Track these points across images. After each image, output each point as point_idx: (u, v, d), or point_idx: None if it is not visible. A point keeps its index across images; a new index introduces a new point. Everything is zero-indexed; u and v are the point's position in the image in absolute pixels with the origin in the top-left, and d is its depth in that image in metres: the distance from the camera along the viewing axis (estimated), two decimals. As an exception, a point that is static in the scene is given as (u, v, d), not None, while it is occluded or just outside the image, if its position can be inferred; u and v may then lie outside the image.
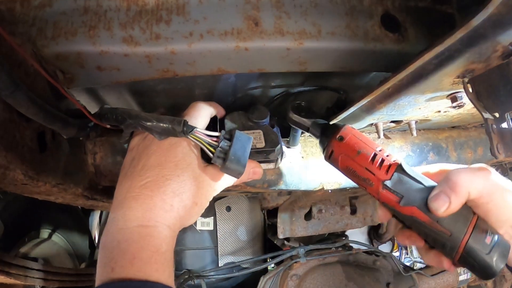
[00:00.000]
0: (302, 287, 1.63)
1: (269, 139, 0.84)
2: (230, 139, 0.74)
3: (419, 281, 1.89)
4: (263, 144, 0.83)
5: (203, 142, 0.72)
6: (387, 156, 0.74)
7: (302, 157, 1.12)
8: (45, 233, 1.94)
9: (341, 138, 0.78)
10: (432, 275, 1.98)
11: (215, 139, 0.73)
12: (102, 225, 2.44)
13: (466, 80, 0.62)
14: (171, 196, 0.68)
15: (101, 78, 0.75)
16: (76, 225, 2.20)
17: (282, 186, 1.10)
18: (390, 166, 0.73)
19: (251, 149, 0.81)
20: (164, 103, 1.04)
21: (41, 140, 0.73)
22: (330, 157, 0.80)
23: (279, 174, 1.09)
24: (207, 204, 0.76)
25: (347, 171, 0.78)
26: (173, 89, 0.98)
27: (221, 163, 0.72)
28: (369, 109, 0.80)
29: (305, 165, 1.12)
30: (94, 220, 2.51)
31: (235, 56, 0.71)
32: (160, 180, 0.69)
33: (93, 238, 2.39)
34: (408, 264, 3.74)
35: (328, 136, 0.80)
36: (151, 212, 0.66)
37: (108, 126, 0.74)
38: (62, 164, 0.81)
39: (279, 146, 0.84)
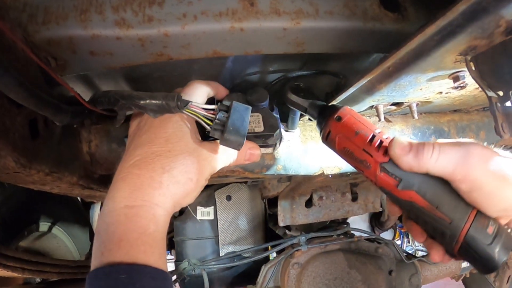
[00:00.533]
0: (304, 275, 1.62)
1: (268, 123, 0.82)
2: (228, 110, 0.72)
3: (422, 268, 1.89)
4: (262, 128, 0.81)
5: (200, 116, 0.70)
6: (386, 138, 0.72)
7: (301, 141, 1.11)
8: (44, 226, 1.94)
9: (339, 118, 0.75)
10: (435, 263, 1.97)
11: (212, 112, 0.71)
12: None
13: (468, 58, 0.60)
14: (160, 172, 0.66)
15: (94, 64, 0.73)
16: (76, 218, 2.21)
17: (281, 171, 1.09)
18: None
19: (249, 133, 0.80)
20: (161, 90, 1.02)
21: (33, 127, 0.72)
22: (327, 138, 0.78)
23: (278, 159, 1.08)
24: (204, 182, 0.73)
25: (344, 153, 0.75)
26: (170, 76, 0.96)
27: (219, 135, 0.69)
28: (369, 89, 0.78)
29: (304, 149, 1.11)
30: (95, 212, 2.50)
31: (230, 38, 0.69)
32: (149, 157, 0.67)
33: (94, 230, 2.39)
34: (410, 252, 3.75)
35: (326, 117, 0.78)
36: (138, 191, 0.64)
37: (102, 111, 0.73)
38: (56, 152, 0.80)
39: (278, 130, 0.82)
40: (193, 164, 0.69)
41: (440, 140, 0.68)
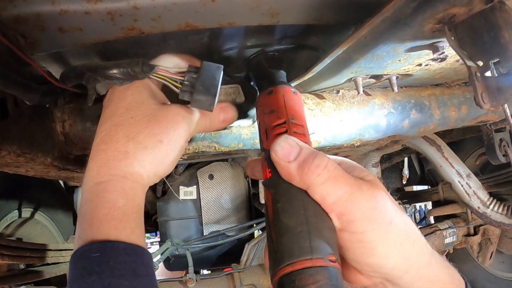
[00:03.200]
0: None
1: (249, 93, 0.81)
2: (197, 72, 0.69)
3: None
4: (243, 98, 0.79)
5: (168, 79, 0.68)
6: (296, 130, 0.61)
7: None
8: (27, 212, 1.91)
9: (270, 92, 0.69)
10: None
11: (181, 74, 0.69)
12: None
13: (447, 27, 0.60)
14: (125, 141, 0.63)
15: (65, 41, 0.70)
16: (59, 203, 2.18)
17: (257, 145, 1.07)
18: None
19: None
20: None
21: (2, 107, 0.70)
22: (256, 108, 0.72)
23: (255, 133, 1.07)
24: (180, 142, 0.69)
25: (259, 128, 0.69)
26: (146, 53, 0.94)
27: (189, 96, 0.67)
28: (346, 60, 0.77)
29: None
30: (79, 197, 2.48)
31: (202, 9, 0.67)
32: (112, 130, 0.65)
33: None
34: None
35: (264, 87, 0.72)
36: (104, 166, 0.62)
37: (73, 89, 0.72)
38: (28, 133, 0.78)
39: None
40: (160, 124, 0.66)
41: (333, 157, 0.57)
